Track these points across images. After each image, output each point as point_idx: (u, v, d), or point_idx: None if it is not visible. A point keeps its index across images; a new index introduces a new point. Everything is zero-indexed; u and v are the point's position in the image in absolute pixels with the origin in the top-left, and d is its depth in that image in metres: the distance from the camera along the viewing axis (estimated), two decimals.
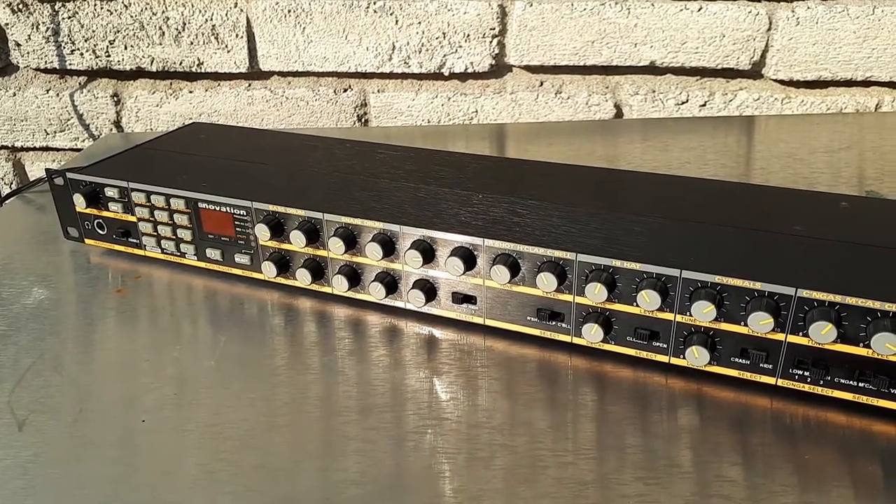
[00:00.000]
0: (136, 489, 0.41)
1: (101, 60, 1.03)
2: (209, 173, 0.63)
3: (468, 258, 0.50)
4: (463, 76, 1.05)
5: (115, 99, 1.07)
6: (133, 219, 0.63)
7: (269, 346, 0.53)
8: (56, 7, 1.01)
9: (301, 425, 0.45)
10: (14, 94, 1.06)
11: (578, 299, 0.49)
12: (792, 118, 1.00)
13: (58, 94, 1.06)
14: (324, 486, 0.40)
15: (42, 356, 0.52)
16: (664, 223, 0.51)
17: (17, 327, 0.56)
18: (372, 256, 0.53)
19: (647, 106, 1.04)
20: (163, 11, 1.00)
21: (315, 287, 0.58)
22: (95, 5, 1.01)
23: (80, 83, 1.06)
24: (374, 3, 0.99)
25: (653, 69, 1.04)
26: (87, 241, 0.67)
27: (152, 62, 1.03)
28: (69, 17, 1.01)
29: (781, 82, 1.02)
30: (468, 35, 1.00)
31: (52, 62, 1.04)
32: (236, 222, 0.59)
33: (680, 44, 1.00)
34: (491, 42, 1.01)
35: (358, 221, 0.53)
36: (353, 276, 0.55)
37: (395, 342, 0.53)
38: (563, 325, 0.50)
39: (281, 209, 0.56)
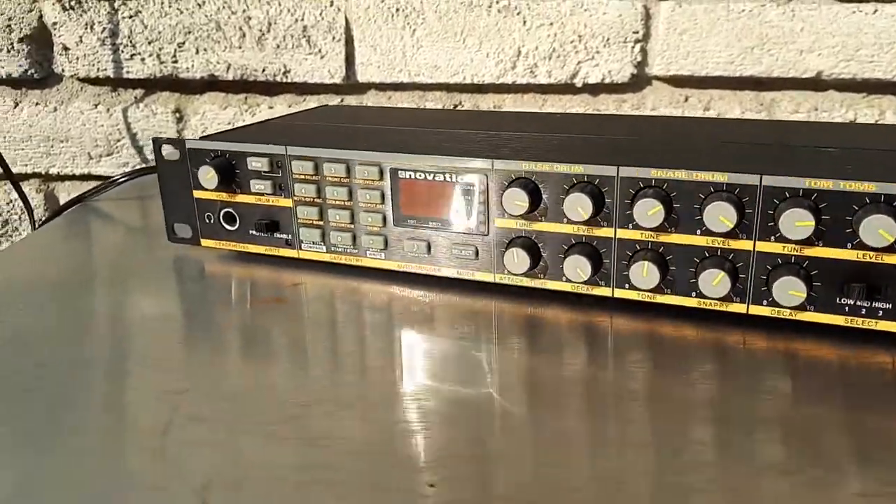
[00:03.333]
0: None
1: (166, 67, 0.86)
2: (396, 137, 0.45)
3: None
4: (595, 89, 0.89)
5: (177, 115, 0.89)
6: (287, 203, 0.44)
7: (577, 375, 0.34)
8: (115, 4, 0.84)
9: None
10: (55, 110, 0.88)
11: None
12: None
13: (108, 110, 0.88)
14: None
15: (194, 385, 0.32)
16: None
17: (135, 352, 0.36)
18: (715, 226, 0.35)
19: None
20: (244, 10, 0.84)
21: (587, 289, 0.39)
22: (163, 3, 0.84)
23: (135, 97, 0.89)
24: (498, 2, 0.84)
25: (814, 83, 0.89)
26: (203, 241, 0.47)
27: (228, 69, 0.86)
28: (130, 16, 0.85)
29: None
30: (607, 39, 0.85)
31: (105, 70, 0.86)
32: (458, 195, 0.40)
33: (853, 51, 0.85)
34: (633, 48, 0.86)
35: (698, 175, 0.35)
36: (663, 264, 0.37)
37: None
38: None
39: (546, 168, 0.37)
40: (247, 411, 0.31)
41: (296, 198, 0.44)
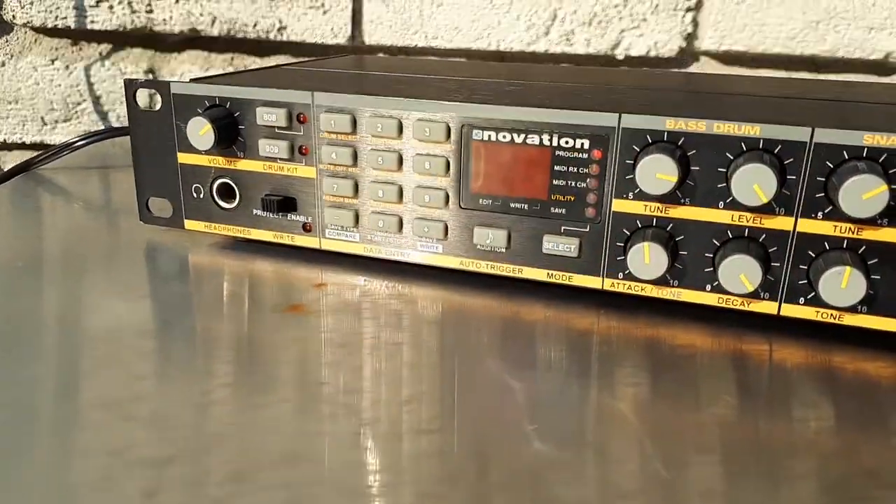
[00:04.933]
0: None
1: (139, 17, 0.73)
2: (468, 87, 0.33)
3: None
4: (637, 62, 0.78)
5: (151, 76, 0.76)
6: (309, 172, 0.32)
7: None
8: None
9: None
10: (2, 65, 0.75)
11: None
12: None
13: (67, 67, 0.75)
14: None
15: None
16: None
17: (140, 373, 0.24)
18: None
19: None
20: None
21: (743, 304, 0.27)
22: None
23: (100, 53, 0.75)
24: None
25: (878, 66, 0.79)
26: (188, 223, 0.35)
27: (213, 22, 0.73)
28: None
29: None
30: (656, 5, 0.74)
31: (65, 18, 0.73)
32: (559, 167, 0.28)
33: None
34: (684, 17, 0.75)
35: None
36: (866, 271, 0.25)
37: None
38: None
39: (700, 127, 0.26)
40: (266, 500, 0.19)
41: (322, 165, 0.32)
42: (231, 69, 0.76)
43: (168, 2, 0.73)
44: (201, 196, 0.34)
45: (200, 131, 0.32)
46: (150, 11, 0.72)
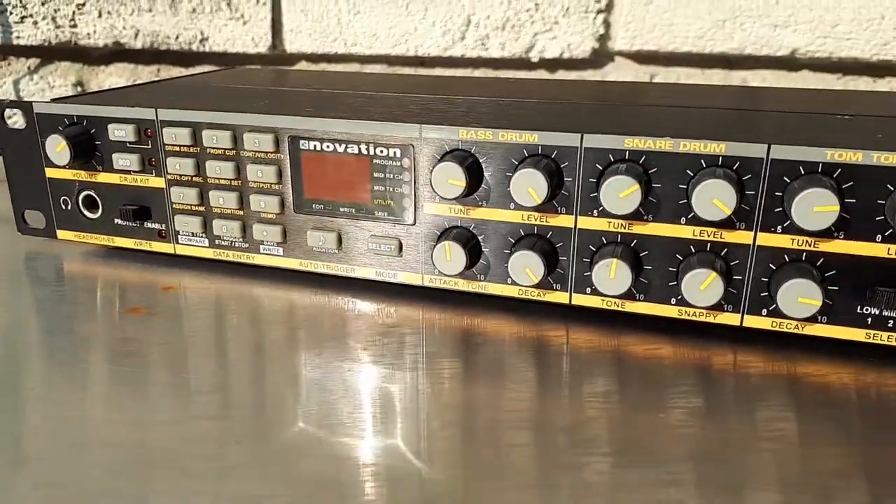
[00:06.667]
0: None
1: (63, 32, 0.75)
2: (301, 99, 0.36)
3: None
4: (552, 64, 0.80)
5: (79, 89, 0.78)
6: (159, 182, 0.34)
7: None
8: None
9: None
10: None
11: None
12: None
13: None
14: None
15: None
16: None
17: None
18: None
19: None
20: None
21: (538, 294, 0.30)
22: None
23: (28, 67, 0.77)
24: None
25: (787, 62, 0.82)
26: (60, 233, 0.37)
27: (137, 35, 0.75)
28: None
29: None
30: (567, 8, 0.77)
31: None
32: (377, 174, 0.31)
33: (830, 27, 0.78)
34: (595, 19, 0.77)
35: (689, 145, 0.26)
36: (636, 262, 0.28)
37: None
38: None
39: (487, 136, 0.28)
40: (57, 477, 0.21)
41: (170, 176, 0.34)
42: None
43: (91, 16, 0.75)
44: (69, 207, 0.37)
45: (57, 148, 0.34)
46: (74, 26, 0.74)
